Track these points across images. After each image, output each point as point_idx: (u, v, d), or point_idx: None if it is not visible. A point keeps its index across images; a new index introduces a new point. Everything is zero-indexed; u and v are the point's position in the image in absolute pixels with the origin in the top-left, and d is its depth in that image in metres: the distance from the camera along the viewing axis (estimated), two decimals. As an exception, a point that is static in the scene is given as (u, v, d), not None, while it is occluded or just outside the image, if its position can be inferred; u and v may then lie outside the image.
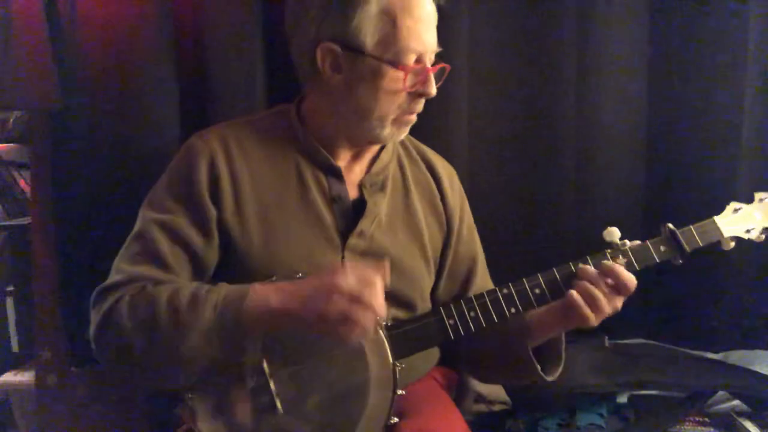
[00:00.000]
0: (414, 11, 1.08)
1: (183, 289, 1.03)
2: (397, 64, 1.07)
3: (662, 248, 1.14)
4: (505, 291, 1.11)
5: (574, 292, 1.08)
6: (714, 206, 1.22)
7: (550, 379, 1.16)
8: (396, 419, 1.06)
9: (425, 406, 1.17)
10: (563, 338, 1.17)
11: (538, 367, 1.14)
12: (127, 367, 1.06)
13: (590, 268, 1.10)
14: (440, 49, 1.14)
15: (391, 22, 1.07)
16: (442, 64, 1.13)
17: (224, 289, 1.02)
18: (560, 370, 1.17)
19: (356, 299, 0.95)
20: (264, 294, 1.00)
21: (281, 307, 0.98)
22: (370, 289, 0.95)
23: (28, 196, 1.79)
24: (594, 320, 1.08)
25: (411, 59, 1.08)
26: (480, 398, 1.53)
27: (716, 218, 1.18)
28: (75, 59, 1.48)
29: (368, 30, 1.07)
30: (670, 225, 1.15)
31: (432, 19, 1.11)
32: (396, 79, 1.08)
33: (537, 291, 1.11)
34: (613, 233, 1.14)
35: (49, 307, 1.57)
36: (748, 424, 1.50)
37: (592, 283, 1.08)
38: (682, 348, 1.71)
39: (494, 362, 1.24)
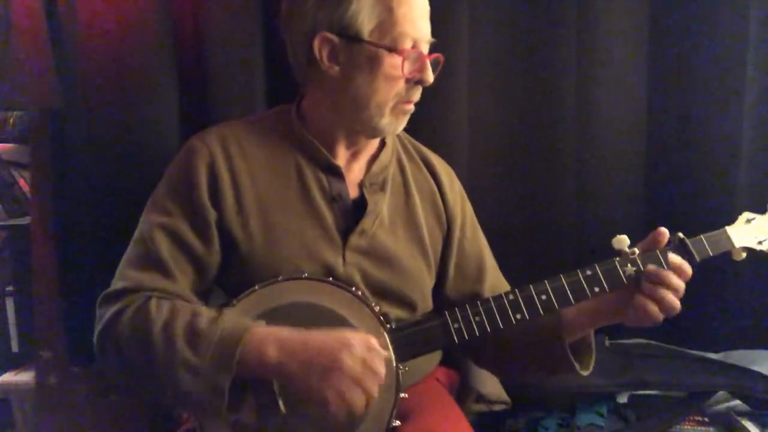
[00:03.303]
0: None
1: (180, 315, 1.01)
2: (394, 49, 1.08)
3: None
4: (511, 297, 1.10)
5: (644, 299, 1.06)
6: (715, 208, 1.21)
7: (584, 373, 1.15)
8: (398, 422, 1.06)
9: (428, 407, 1.16)
10: (592, 332, 1.16)
11: (576, 365, 1.14)
12: (125, 377, 1.07)
13: (663, 271, 1.07)
14: (434, 40, 1.14)
15: (386, 8, 1.08)
16: (437, 54, 1.14)
17: (222, 324, 1.00)
18: (593, 363, 1.16)
19: (358, 383, 0.97)
20: (262, 343, 0.99)
21: (278, 365, 0.98)
22: (372, 376, 0.98)
23: (28, 196, 1.79)
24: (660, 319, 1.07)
25: (408, 45, 1.09)
26: (480, 398, 1.52)
27: (728, 228, 1.15)
28: (75, 59, 1.48)
29: (364, 17, 1.08)
30: (681, 234, 1.13)
31: (425, 7, 1.13)
32: (394, 66, 1.08)
33: (544, 297, 1.09)
34: (623, 241, 1.11)
35: (49, 307, 1.57)
36: (748, 424, 1.50)
37: (666, 287, 1.06)
38: (682, 348, 1.72)
39: (526, 359, 1.21)
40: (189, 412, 1.06)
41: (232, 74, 1.51)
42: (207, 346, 0.98)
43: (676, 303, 1.07)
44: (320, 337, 1.00)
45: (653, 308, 1.06)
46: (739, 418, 1.52)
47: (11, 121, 1.83)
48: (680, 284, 1.08)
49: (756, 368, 1.65)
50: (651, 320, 1.07)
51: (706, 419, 1.54)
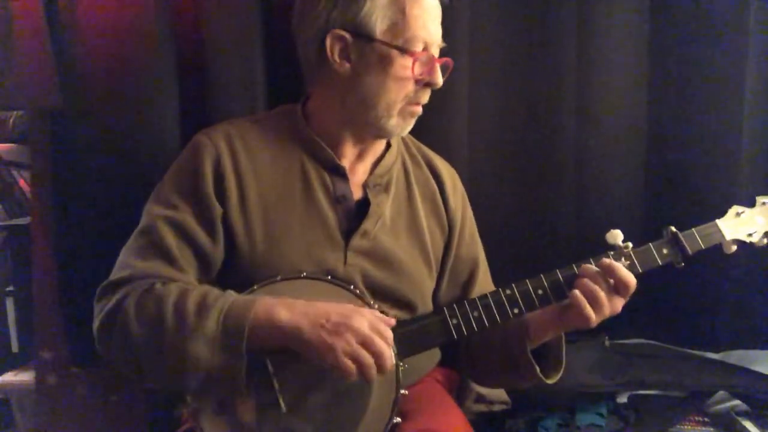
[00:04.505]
0: (422, 1, 1.11)
1: (191, 291, 1.02)
2: (405, 50, 1.09)
3: (664, 251, 1.14)
4: (508, 292, 1.11)
5: (576, 291, 1.08)
6: (715, 208, 1.22)
7: (549, 382, 1.16)
8: (398, 419, 1.06)
9: (428, 406, 1.17)
10: (563, 342, 1.17)
11: (537, 368, 1.14)
12: (130, 365, 1.05)
13: (591, 267, 1.10)
14: (444, 44, 1.16)
15: (400, 10, 1.10)
16: (446, 58, 1.15)
17: (232, 296, 1.02)
18: (560, 374, 1.17)
19: (368, 344, 0.97)
20: (272, 308, 1.00)
21: (289, 325, 0.99)
22: (382, 339, 0.99)
23: (28, 196, 1.79)
24: (594, 320, 1.08)
25: (419, 47, 1.11)
26: (480, 398, 1.53)
27: (718, 221, 1.18)
28: (75, 59, 1.48)
29: (378, 17, 1.09)
30: (673, 228, 1.15)
31: (437, 11, 1.14)
32: (404, 67, 1.10)
33: (540, 292, 1.11)
34: (616, 236, 1.13)
35: (49, 307, 1.57)
36: (748, 424, 1.50)
37: (593, 281, 1.08)
38: (682, 348, 1.72)
39: (493, 365, 1.23)
40: (201, 394, 1.04)
41: (232, 74, 1.51)
42: (218, 315, 0.99)
43: (602, 295, 1.06)
44: (329, 303, 1.02)
45: (583, 300, 1.06)
46: (739, 418, 1.52)
47: (11, 121, 1.83)
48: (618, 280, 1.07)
49: (756, 368, 1.65)
50: (584, 318, 1.07)
51: (706, 419, 1.54)
